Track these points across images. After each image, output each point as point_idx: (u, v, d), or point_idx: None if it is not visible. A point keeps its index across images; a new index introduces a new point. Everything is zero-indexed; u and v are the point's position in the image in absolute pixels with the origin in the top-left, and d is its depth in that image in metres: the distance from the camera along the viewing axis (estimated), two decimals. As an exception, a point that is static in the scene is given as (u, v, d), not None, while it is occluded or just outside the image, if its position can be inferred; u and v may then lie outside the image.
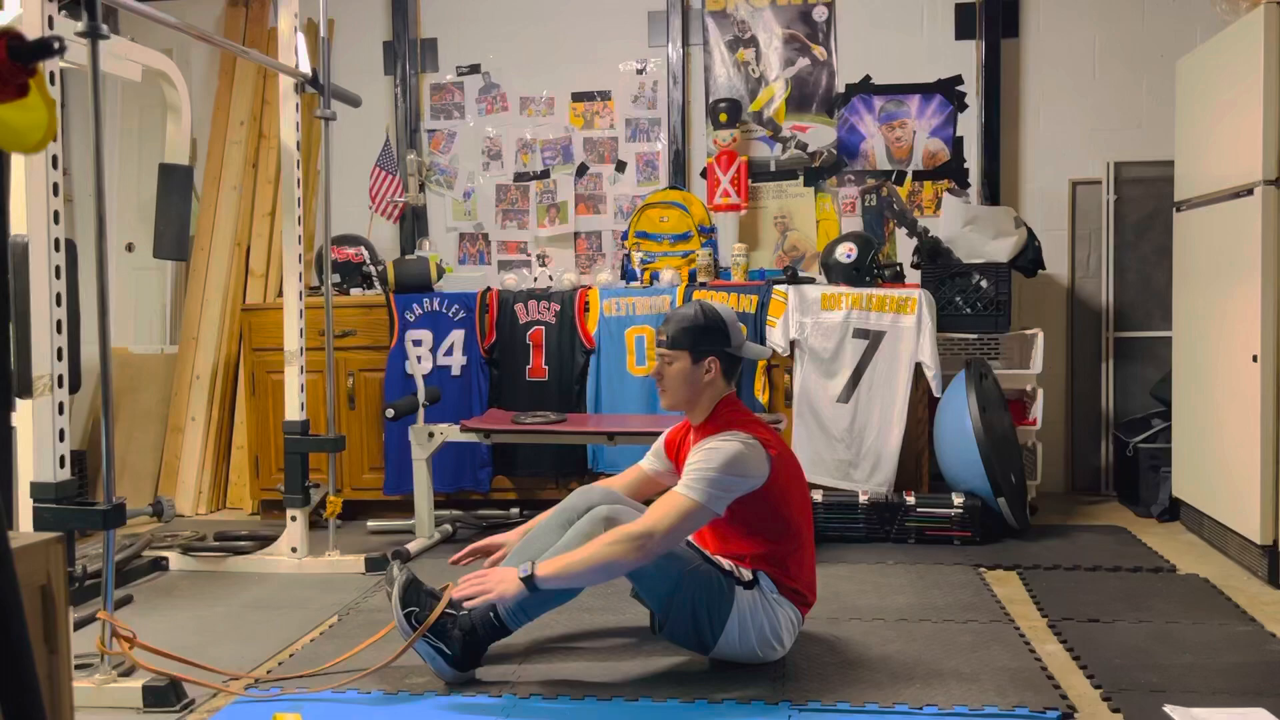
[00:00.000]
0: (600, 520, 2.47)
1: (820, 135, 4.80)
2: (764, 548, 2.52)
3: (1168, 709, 2.25)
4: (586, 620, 2.94)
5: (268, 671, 2.60)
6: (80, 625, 2.67)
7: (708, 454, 2.44)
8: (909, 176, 4.76)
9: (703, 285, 4.19)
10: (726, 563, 2.51)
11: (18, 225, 2.27)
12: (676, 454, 2.71)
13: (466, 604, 2.43)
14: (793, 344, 4.04)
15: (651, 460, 2.81)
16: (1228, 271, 3.50)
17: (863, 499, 3.77)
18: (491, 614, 2.44)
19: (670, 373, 2.58)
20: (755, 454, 2.46)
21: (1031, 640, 2.72)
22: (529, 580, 2.37)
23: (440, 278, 4.44)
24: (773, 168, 4.83)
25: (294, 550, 3.58)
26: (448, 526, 4.03)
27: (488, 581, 2.41)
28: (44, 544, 1.39)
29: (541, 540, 2.57)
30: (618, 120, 4.92)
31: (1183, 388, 3.95)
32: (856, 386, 3.99)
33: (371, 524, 4.18)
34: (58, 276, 2.33)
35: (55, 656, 1.42)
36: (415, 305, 4.25)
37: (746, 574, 2.50)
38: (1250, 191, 3.33)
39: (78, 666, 2.42)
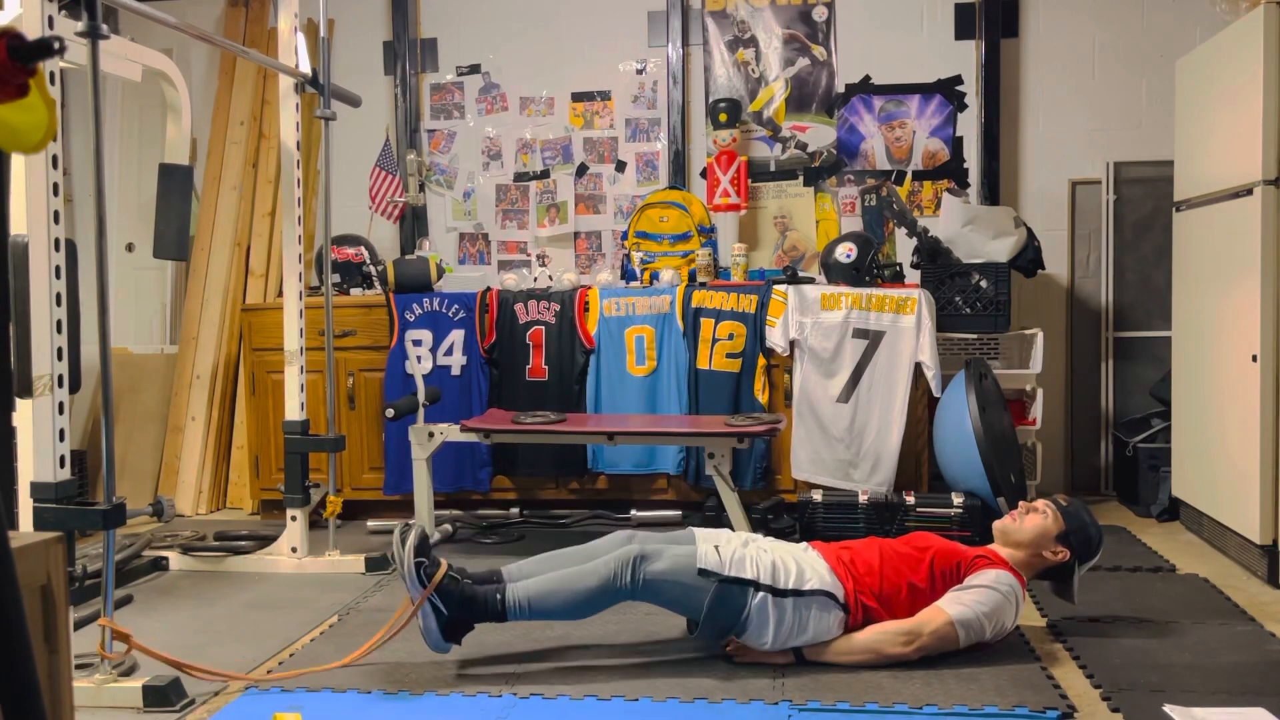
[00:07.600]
0: (627, 559, 2.52)
1: (820, 135, 4.80)
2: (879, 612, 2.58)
3: (1167, 709, 2.25)
4: (586, 620, 2.93)
5: (268, 671, 2.60)
6: (80, 625, 2.67)
7: (989, 594, 2.56)
8: (909, 176, 4.76)
9: (703, 285, 4.18)
10: (780, 571, 2.53)
11: (18, 225, 2.27)
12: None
13: (738, 658, 2.57)
14: (792, 344, 4.04)
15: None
16: (1227, 271, 3.51)
17: (862, 499, 3.77)
18: (497, 596, 2.47)
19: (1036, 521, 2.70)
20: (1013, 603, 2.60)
21: (1031, 640, 2.72)
22: (797, 656, 2.54)
23: (440, 278, 4.43)
24: (772, 168, 4.83)
25: (294, 550, 3.59)
26: (448, 526, 4.04)
27: (751, 654, 2.57)
28: (44, 544, 1.39)
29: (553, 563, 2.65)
30: (617, 120, 4.92)
31: (1182, 388, 3.96)
32: (856, 386, 3.99)
33: (371, 524, 4.18)
34: (58, 276, 2.33)
35: (55, 656, 1.42)
36: (415, 305, 4.25)
37: (809, 584, 2.52)
38: (1250, 191, 3.33)
39: (78, 666, 2.42)
